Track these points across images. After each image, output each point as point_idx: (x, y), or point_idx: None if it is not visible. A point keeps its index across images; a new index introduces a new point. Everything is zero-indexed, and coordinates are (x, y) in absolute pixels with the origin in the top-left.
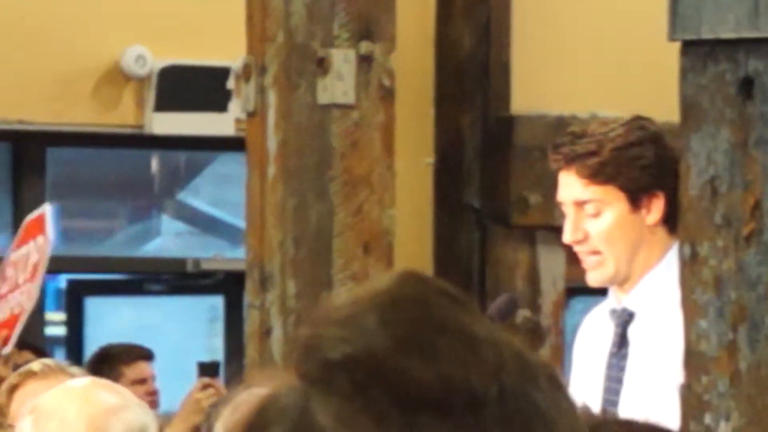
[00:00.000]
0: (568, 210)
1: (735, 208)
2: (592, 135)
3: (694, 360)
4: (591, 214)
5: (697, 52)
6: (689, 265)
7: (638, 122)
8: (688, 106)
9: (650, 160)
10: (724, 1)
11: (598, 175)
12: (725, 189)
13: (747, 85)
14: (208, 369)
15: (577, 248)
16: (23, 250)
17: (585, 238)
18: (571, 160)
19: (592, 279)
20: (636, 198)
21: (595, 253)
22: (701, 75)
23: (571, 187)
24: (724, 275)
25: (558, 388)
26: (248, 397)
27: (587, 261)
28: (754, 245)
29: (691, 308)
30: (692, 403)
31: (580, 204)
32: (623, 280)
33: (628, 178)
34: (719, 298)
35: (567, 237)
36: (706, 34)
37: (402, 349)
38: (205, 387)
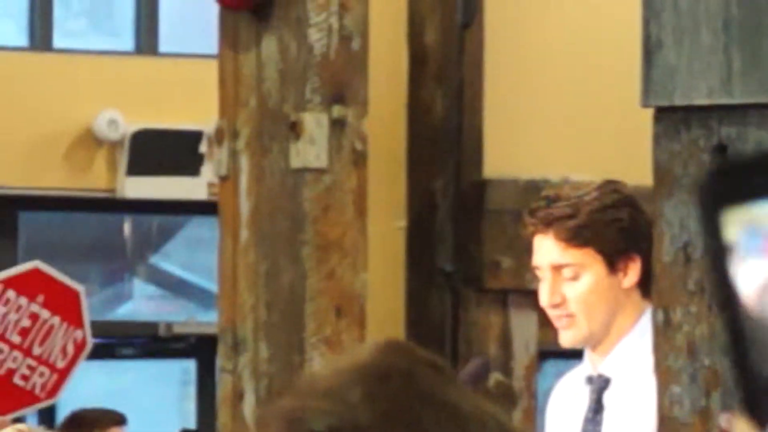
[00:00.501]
0: (545, 274)
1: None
2: (567, 198)
3: (667, 425)
4: (569, 278)
5: (670, 119)
6: (662, 331)
7: (612, 185)
8: (661, 172)
9: (626, 223)
10: (696, 68)
11: (576, 237)
12: (698, 255)
13: (720, 152)
14: None
15: (552, 312)
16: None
17: (562, 302)
18: (547, 224)
19: (566, 340)
20: (613, 261)
21: (570, 316)
22: (674, 141)
23: (547, 250)
24: (698, 341)
25: None
26: None
27: (561, 322)
28: None
29: (664, 374)
30: None
31: (557, 268)
32: (596, 343)
33: (605, 240)
34: (692, 363)
35: (544, 301)
36: (679, 101)
37: (387, 424)
38: None
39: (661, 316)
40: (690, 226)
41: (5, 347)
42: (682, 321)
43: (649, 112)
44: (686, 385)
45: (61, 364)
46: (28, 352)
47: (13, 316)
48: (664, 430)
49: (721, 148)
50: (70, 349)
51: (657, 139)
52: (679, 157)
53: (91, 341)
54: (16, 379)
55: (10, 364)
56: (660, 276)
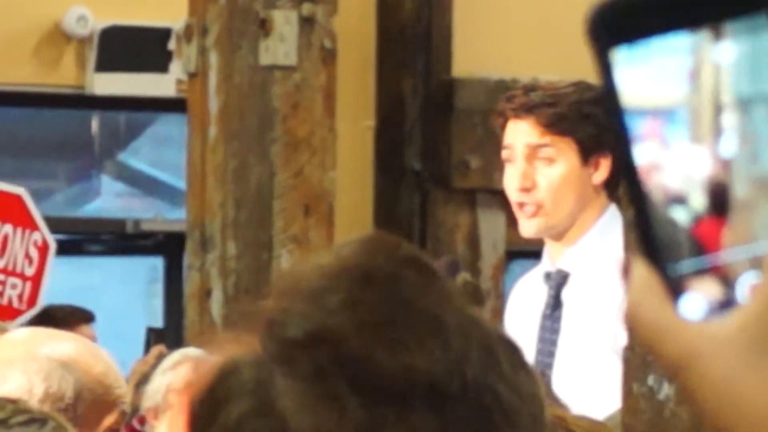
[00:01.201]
0: (517, 156)
1: None
2: (545, 89)
3: None
4: (544, 160)
5: None
6: (632, 230)
7: (586, 84)
8: None
9: (602, 120)
10: None
11: (556, 125)
12: None
13: None
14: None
15: (519, 197)
16: None
17: (532, 187)
18: (527, 110)
19: (529, 228)
20: (588, 154)
21: (539, 205)
22: None
23: (524, 133)
24: None
25: (520, 369)
26: (201, 360)
27: (526, 210)
28: None
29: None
30: (635, 364)
31: (533, 149)
32: (558, 236)
33: (583, 132)
34: None
35: (514, 184)
36: None
37: (366, 334)
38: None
39: (630, 215)
40: None
41: None
42: None
43: None
44: None
45: (30, 272)
46: None
47: None
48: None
49: None
50: (34, 253)
51: None
52: None
53: (53, 241)
54: None
55: None
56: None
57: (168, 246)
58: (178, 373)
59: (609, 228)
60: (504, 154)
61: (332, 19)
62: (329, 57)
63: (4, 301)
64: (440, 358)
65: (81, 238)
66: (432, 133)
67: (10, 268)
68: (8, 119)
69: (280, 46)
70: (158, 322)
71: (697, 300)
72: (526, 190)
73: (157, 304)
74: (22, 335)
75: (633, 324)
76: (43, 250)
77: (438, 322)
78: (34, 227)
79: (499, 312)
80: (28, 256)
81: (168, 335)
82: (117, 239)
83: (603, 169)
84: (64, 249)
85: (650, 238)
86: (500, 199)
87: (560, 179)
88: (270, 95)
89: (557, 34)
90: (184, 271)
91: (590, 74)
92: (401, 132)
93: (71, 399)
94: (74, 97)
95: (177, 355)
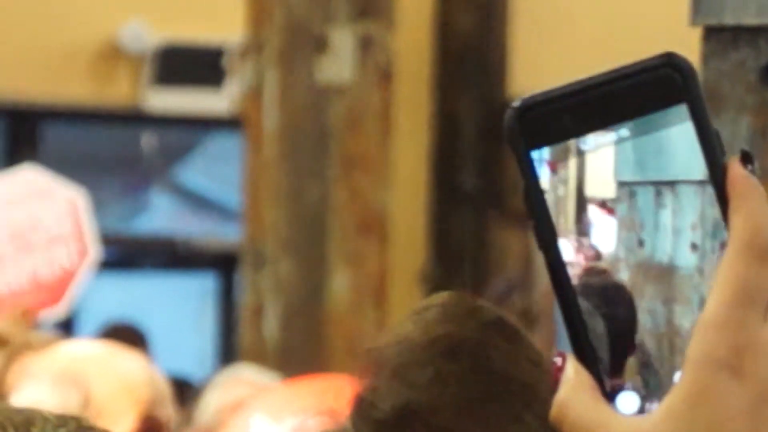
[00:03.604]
0: None
1: None
2: None
3: None
4: None
5: (719, 38)
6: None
7: None
8: (708, 93)
9: None
10: None
11: None
12: None
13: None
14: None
15: None
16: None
17: None
18: None
19: None
20: None
21: None
22: (723, 61)
23: None
24: None
25: None
26: None
27: None
28: None
29: None
30: None
31: None
32: None
33: None
34: None
35: None
36: (728, 20)
37: (458, 410)
38: None
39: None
40: (735, 145)
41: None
42: None
43: (692, 32)
44: None
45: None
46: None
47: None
48: None
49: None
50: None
51: (705, 59)
52: (726, 77)
53: (95, 251)
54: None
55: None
56: None
57: (220, 264)
58: (227, 392)
59: None
60: None
61: (390, 37)
62: (386, 75)
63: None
64: (537, 429)
65: (132, 255)
66: (488, 154)
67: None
68: (62, 135)
69: (337, 65)
70: (209, 342)
71: (628, 396)
72: None
73: (208, 323)
74: (57, 353)
75: (561, 421)
76: (82, 255)
77: (531, 392)
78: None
79: (551, 336)
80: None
81: (219, 350)
82: (169, 256)
83: None
84: (114, 264)
85: (580, 337)
86: None
87: None
88: (326, 114)
89: (617, 51)
90: (234, 289)
91: None
92: (456, 152)
93: (77, 409)
94: (129, 113)
95: (228, 372)
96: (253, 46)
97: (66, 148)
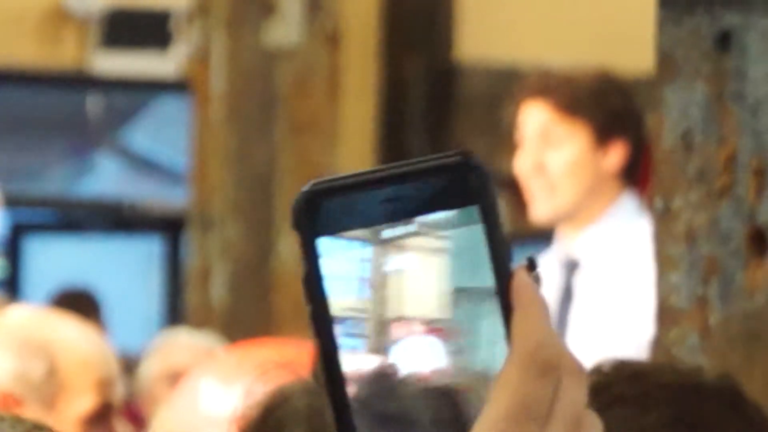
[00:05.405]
0: (529, 140)
1: (709, 161)
2: (562, 72)
3: (665, 314)
4: (554, 145)
5: (675, 5)
6: (662, 219)
7: (605, 71)
8: (663, 59)
9: (619, 108)
10: None
11: (571, 106)
12: (699, 142)
13: (724, 39)
14: None
15: (531, 180)
16: None
17: (543, 170)
18: (541, 91)
19: (542, 212)
20: (601, 139)
21: (550, 187)
22: (678, 27)
23: (537, 116)
24: (697, 229)
25: None
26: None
27: (537, 193)
28: (728, 199)
29: (663, 262)
30: (661, 357)
31: (545, 134)
32: (569, 220)
33: (598, 117)
34: (691, 252)
35: (526, 166)
36: None
37: None
38: None
39: (660, 203)
40: (691, 113)
41: None
42: (682, 208)
43: None
44: (685, 273)
45: None
46: None
47: None
48: (661, 318)
49: (724, 36)
50: None
51: (661, 25)
52: (681, 44)
53: None
54: None
55: None
56: (659, 163)
57: (166, 227)
58: (164, 360)
59: (621, 216)
60: (516, 136)
61: (337, 0)
62: (334, 39)
63: None
64: None
65: (78, 218)
66: (435, 118)
67: None
68: (7, 98)
69: (284, 28)
70: (156, 304)
71: None
72: (537, 172)
73: (155, 285)
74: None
75: None
76: None
77: None
78: None
79: None
80: None
81: (165, 313)
82: (115, 219)
83: (615, 156)
84: (61, 227)
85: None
86: (504, 184)
87: (570, 163)
88: (273, 77)
89: (565, 15)
90: (180, 252)
91: (599, 59)
92: (404, 116)
93: (41, 379)
94: (75, 76)
95: (165, 338)
96: (200, 9)
97: (12, 111)
